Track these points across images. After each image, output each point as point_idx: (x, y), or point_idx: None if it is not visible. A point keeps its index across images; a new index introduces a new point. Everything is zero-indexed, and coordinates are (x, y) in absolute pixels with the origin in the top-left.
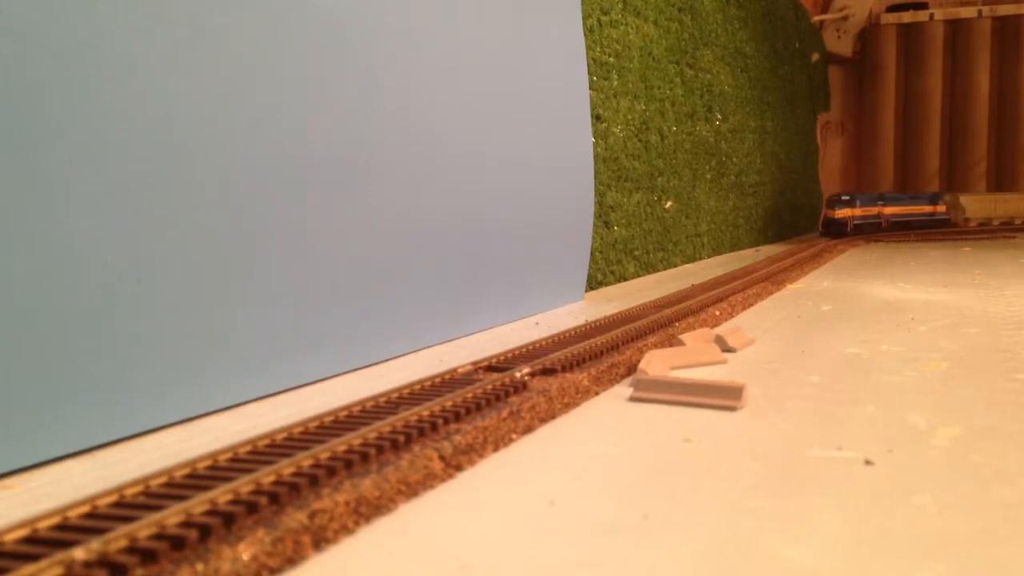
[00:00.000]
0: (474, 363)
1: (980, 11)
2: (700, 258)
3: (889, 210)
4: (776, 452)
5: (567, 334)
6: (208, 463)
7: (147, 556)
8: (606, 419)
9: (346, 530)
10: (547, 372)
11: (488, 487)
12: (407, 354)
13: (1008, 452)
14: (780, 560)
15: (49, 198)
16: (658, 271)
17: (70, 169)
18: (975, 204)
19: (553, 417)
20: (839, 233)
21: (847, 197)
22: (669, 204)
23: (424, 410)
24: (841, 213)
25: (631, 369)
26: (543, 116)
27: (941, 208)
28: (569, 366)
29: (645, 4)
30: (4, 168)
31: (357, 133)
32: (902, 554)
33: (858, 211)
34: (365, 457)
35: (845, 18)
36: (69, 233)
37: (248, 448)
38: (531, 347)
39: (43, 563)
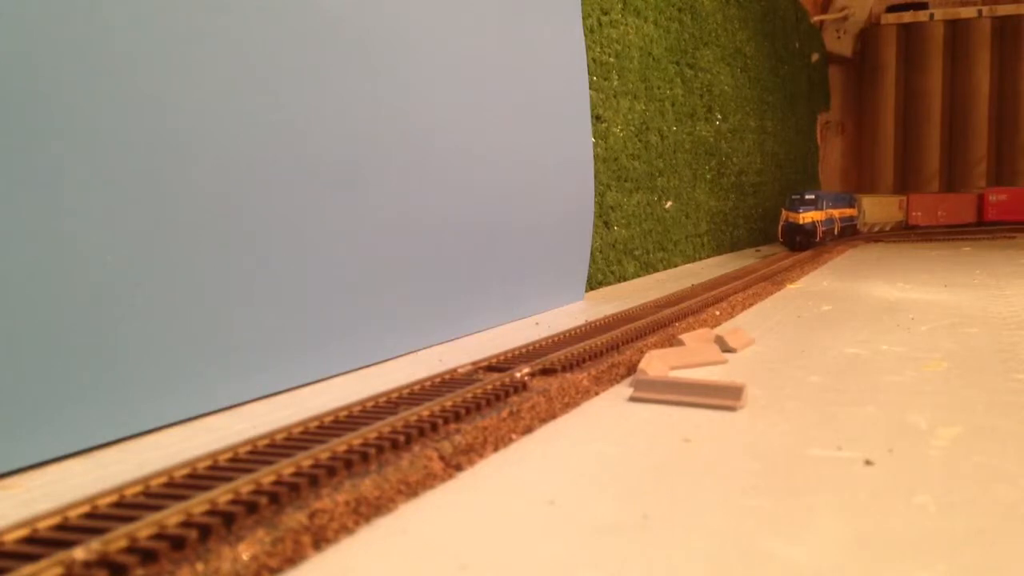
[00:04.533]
0: (474, 363)
1: (980, 11)
2: (700, 258)
3: (838, 213)
4: (776, 452)
5: (567, 334)
6: (208, 463)
7: (147, 556)
8: (606, 419)
9: (346, 530)
10: (547, 372)
11: (488, 487)
12: (407, 354)
13: (1008, 452)
14: (780, 560)
15: (49, 198)
16: (658, 271)
17: (70, 169)
18: (871, 208)
19: (553, 417)
20: (805, 244)
21: (812, 196)
22: (669, 204)
23: (424, 410)
24: (807, 217)
25: (631, 369)
26: (543, 116)
27: (854, 212)
28: (569, 366)
29: (645, 4)
30: (4, 168)
31: (357, 133)
32: (902, 554)
33: (823, 214)
34: (365, 457)
35: (845, 18)
36: (69, 233)
37: (248, 448)
38: (531, 347)
39: (43, 563)
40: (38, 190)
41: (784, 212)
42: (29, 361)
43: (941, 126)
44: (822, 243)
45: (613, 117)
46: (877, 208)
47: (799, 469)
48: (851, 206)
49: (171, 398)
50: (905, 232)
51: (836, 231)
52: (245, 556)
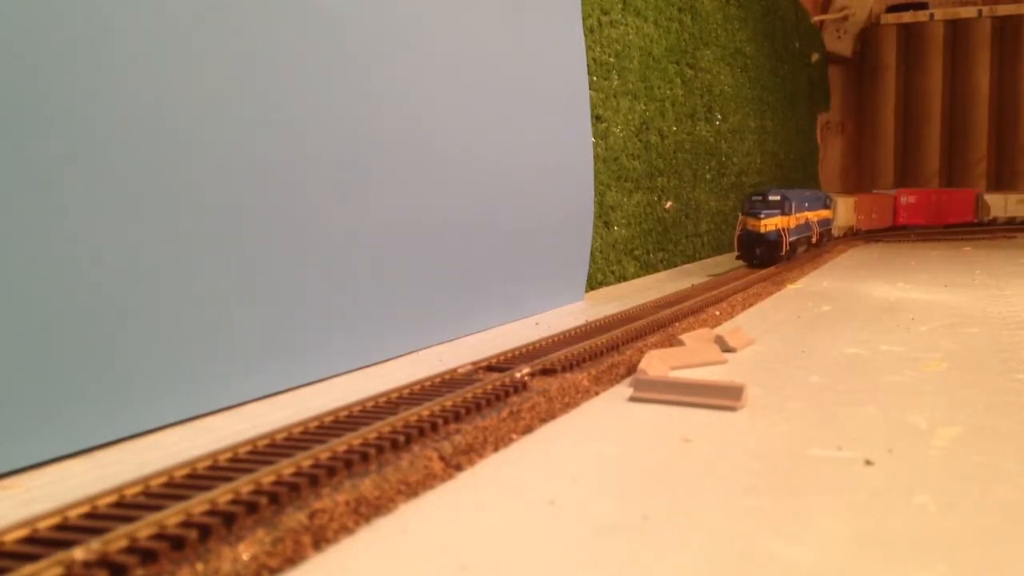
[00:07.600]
0: (474, 363)
1: (980, 11)
2: (700, 258)
3: (815, 216)
4: (776, 452)
5: (567, 334)
6: (208, 463)
7: (147, 556)
8: (606, 419)
9: (346, 530)
10: (547, 372)
11: (488, 487)
12: (407, 354)
13: (1008, 452)
14: (780, 560)
15: (49, 198)
16: (658, 271)
17: (70, 169)
18: (841, 209)
19: (553, 417)
20: (767, 259)
21: (776, 196)
22: (669, 204)
23: (424, 410)
24: (770, 224)
25: (631, 369)
26: (543, 116)
27: (831, 214)
28: (569, 366)
29: (645, 4)
30: (4, 168)
31: (357, 133)
32: (902, 554)
33: (792, 219)
34: (365, 457)
35: (845, 18)
36: (69, 233)
37: (248, 448)
38: (531, 347)
39: (43, 563)
40: (38, 190)
41: (741, 217)
42: (29, 361)
43: (941, 126)
44: (790, 257)
45: (613, 117)
46: (842, 209)
47: (799, 469)
48: (827, 207)
49: (171, 398)
50: (903, 232)
51: (814, 239)
52: (245, 556)
